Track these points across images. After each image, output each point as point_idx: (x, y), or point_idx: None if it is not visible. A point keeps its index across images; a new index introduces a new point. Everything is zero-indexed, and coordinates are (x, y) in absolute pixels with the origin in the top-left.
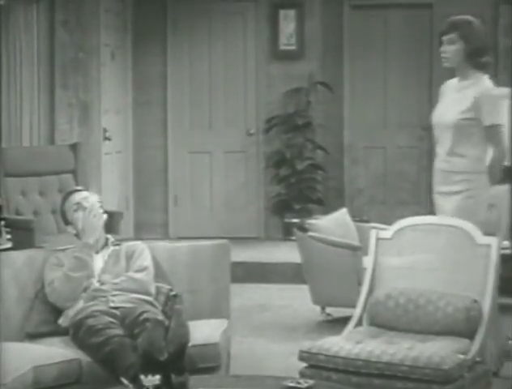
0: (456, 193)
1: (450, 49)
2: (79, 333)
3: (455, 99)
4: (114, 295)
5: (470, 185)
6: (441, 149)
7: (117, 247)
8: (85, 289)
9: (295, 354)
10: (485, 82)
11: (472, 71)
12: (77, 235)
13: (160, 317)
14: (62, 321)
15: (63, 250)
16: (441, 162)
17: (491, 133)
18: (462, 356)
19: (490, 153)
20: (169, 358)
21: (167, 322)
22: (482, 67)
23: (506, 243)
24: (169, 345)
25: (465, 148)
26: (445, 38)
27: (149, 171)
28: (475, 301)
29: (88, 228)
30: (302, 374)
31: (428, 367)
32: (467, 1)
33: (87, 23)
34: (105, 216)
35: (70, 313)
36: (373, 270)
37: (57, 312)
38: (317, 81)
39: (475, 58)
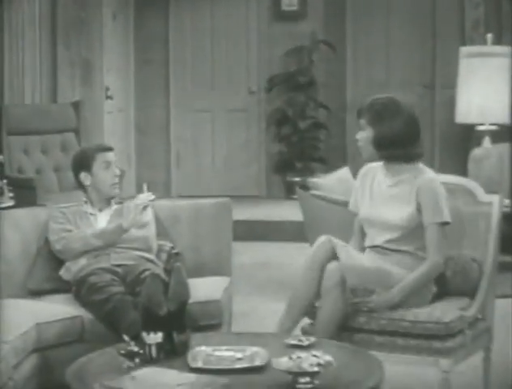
0: None
1: (361, 137)
2: (82, 290)
3: (393, 195)
4: (116, 252)
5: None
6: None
7: (119, 205)
8: None
9: None
10: (425, 172)
11: (398, 164)
12: (88, 186)
13: (162, 274)
14: (63, 273)
15: (67, 207)
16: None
17: (429, 233)
18: (462, 312)
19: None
20: (170, 316)
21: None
22: (407, 160)
23: (507, 201)
24: (170, 303)
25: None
26: (360, 122)
27: (151, 130)
28: (474, 260)
29: (106, 189)
30: (304, 331)
31: (429, 321)
32: None
33: None
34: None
35: (73, 268)
36: None
37: (60, 268)
38: (320, 39)
39: (392, 149)
